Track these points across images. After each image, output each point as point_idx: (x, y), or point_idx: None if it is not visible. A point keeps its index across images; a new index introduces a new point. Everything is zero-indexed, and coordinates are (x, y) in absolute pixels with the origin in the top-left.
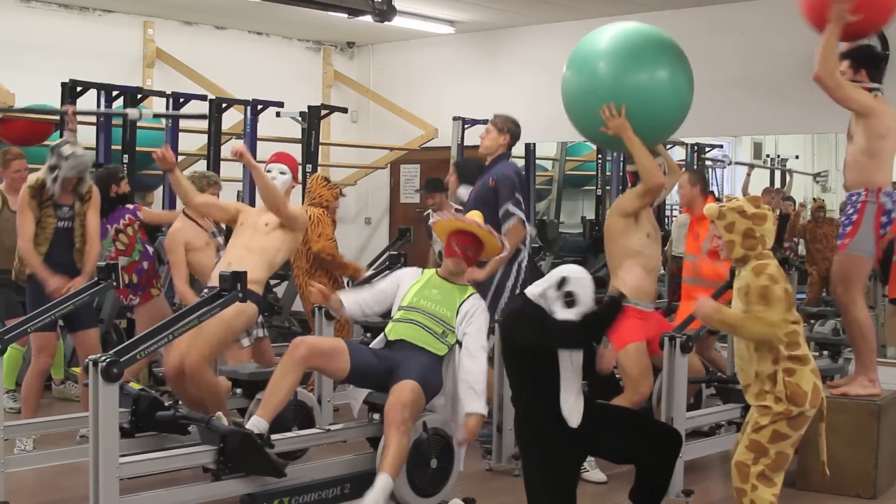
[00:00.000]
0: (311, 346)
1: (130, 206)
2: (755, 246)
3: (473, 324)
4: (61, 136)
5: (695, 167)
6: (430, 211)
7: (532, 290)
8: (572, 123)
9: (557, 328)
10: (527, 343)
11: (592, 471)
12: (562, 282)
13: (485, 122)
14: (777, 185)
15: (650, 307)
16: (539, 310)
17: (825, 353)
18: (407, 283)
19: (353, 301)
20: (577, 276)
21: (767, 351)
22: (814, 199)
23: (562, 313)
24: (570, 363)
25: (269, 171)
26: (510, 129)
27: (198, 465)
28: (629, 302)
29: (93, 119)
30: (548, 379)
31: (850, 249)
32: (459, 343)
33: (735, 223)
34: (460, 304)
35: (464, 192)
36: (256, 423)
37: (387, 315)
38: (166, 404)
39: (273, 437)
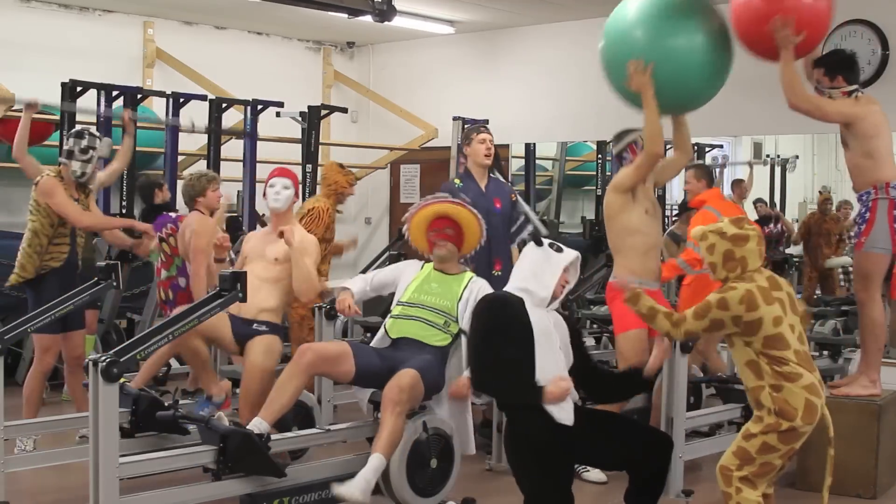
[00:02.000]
0: (318, 353)
1: (172, 215)
2: (735, 268)
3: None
4: (61, 136)
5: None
6: None
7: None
8: (603, 66)
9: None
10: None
11: (592, 471)
12: (536, 240)
13: (485, 121)
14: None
15: (655, 285)
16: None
17: (825, 353)
18: (407, 277)
19: (360, 289)
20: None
21: (752, 366)
22: (819, 190)
23: (562, 257)
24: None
25: (272, 186)
26: None
27: (198, 465)
28: (635, 281)
29: (92, 119)
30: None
31: (866, 247)
32: (463, 332)
33: (715, 245)
34: (462, 291)
35: None
36: (258, 424)
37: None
38: (166, 404)
39: (273, 436)
